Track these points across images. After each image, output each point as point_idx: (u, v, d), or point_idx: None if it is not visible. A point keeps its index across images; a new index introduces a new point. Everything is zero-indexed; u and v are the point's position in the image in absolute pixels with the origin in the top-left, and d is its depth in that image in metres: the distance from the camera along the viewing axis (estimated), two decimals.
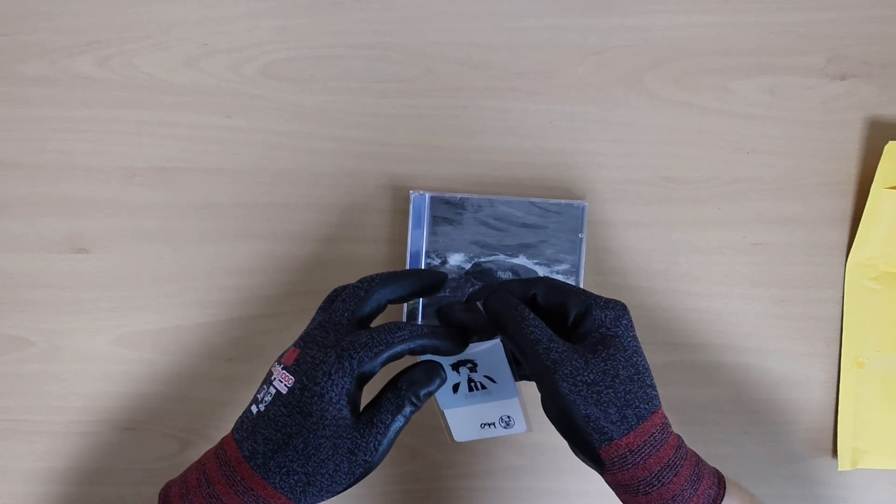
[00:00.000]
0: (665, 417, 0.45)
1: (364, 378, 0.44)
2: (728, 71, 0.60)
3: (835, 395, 0.60)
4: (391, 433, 0.44)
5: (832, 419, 0.61)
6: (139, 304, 0.60)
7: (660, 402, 0.45)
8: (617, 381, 0.43)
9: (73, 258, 0.60)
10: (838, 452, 0.60)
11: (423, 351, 0.45)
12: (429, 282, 0.49)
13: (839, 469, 0.60)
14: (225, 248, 0.60)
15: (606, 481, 0.46)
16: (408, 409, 0.44)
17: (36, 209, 0.60)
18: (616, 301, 0.47)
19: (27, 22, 0.60)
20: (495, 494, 0.61)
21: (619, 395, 0.43)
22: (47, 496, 0.60)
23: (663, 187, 0.60)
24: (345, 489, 0.44)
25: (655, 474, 0.43)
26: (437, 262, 0.58)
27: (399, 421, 0.44)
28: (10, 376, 0.60)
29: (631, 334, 0.46)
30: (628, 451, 0.43)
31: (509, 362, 0.49)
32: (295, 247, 0.60)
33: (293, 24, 0.60)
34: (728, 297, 0.60)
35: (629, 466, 0.43)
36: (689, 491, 0.43)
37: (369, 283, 0.47)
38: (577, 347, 0.44)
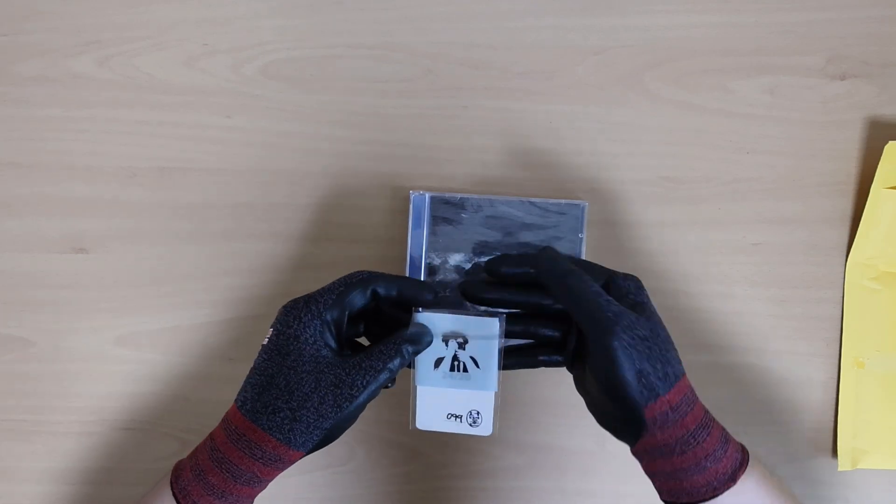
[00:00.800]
0: (690, 383, 0.47)
1: (336, 324, 0.47)
2: (728, 71, 0.60)
3: (835, 395, 0.60)
4: (380, 379, 0.46)
5: (832, 419, 0.61)
6: (139, 304, 0.60)
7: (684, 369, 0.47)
8: (659, 339, 0.45)
9: (73, 258, 0.60)
10: (838, 452, 0.60)
11: (386, 289, 0.48)
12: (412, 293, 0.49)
13: (839, 469, 0.60)
14: (225, 248, 0.60)
15: (638, 451, 0.46)
16: (396, 361, 0.46)
17: (36, 209, 0.60)
18: (631, 274, 0.49)
19: (27, 22, 0.60)
20: (495, 494, 0.61)
21: (662, 352, 0.45)
22: (47, 496, 0.60)
23: (663, 187, 0.60)
24: (333, 426, 0.46)
25: (692, 432, 0.44)
26: (437, 262, 0.58)
27: (386, 372, 0.46)
28: (10, 376, 0.60)
29: (653, 304, 0.48)
30: (669, 408, 0.44)
31: (499, 350, 0.49)
32: (295, 247, 0.60)
33: (293, 24, 0.60)
34: (728, 297, 0.60)
35: (669, 425, 0.44)
36: (719, 451, 0.45)
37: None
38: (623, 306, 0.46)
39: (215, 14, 0.60)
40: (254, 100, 0.60)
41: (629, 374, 0.43)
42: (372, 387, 0.46)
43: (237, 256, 0.60)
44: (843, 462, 0.60)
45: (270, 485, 0.52)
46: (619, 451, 0.60)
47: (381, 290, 0.48)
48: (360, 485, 0.61)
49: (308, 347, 0.46)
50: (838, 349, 0.60)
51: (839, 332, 0.60)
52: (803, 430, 0.61)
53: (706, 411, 0.46)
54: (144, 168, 0.60)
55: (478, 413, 0.50)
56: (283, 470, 0.47)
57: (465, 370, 0.49)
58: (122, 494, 0.60)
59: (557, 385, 0.60)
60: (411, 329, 0.48)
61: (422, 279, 0.58)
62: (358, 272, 0.49)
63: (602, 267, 0.49)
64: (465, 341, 0.49)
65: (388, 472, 0.61)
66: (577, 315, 0.45)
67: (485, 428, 0.50)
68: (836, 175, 0.60)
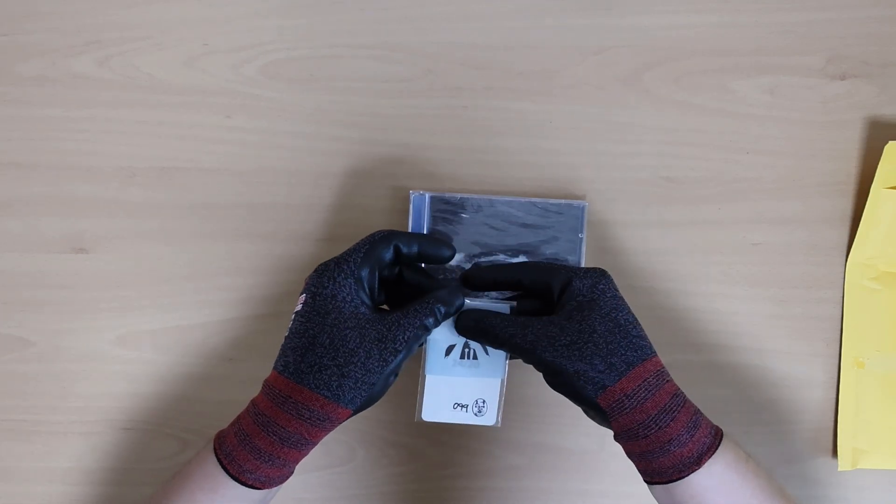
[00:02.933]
0: (661, 366, 0.48)
1: (368, 282, 0.48)
2: (728, 71, 0.60)
3: (835, 395, 0.60)
4: (420, 336, 0.47)
5: (832, 419, 0.61)
6: (139, 304, 0.60)
7: (653, 352, 0.48)
8: (595, 335, 0.46)
9: (73, 258, 0.60)
10: (838, 452, 0.60)
11: (407, 245, 0.50)
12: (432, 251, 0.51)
13: (839, 469, 0.60)
14: (225, 248, 0.60)
15: (616, 436, 0.48)
16: (430, 321, 0.47)
17: (36, 209, 0.60)
18: (595, 269, 0.50)
19: (27, 22, 0.60)
20: (495, 494, 0.61)
21: (600, 346, 0.46)
22: (47, 496, 0.60)
23: (663, 187, 0.60)
24: (380, 381, 0.46)
25: (653, 417, 0.45)
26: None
27: (423, 329, 0.47)
28: (10, 376, 0.60)
29: (609, 295, 0.48)
30: (623, 395, 0.45)
31: None
32: (295, 247, 0.60)
33: (293, 24, 0.60)
34: (728, 297, 0.60)
35: (627, 410, 0.45)
36: (685, 436, 0.46)
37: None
38: (552, 319, 0.48)
39: (215, 14, 0.60)
40: (254, 100, 0.60)
41: (569, 379, 0.46)
42: (413, 343, 0.47)
43: (237, 256, 0.60)
44: (843, 462, 0.60)
45: None
46: (620, 451, 0.60)
47: (403, 247, 0.50)
48: (360, 485, 0.61)
49: (347, 305, 0.47)
50: (838, 349, 0.60)
51: (839, 332, 0.60)
52: (803, 430, 0.61)
53: (674, 395, 0.47)
54: (144, 168, 0.60)
55: (483, 402, 0.52)
56: (328, 431, 0.47)
57: (475, 357, 0.51)
58: (122, 494, 0.60)
59: None
60: (442, 291, 0.49)
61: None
62: (378, 231, 0.50)
63: (566, 269, 0.50)
64: None
65: (388, 472, 0.61)
66: (517, 356, 0.49)
67: (489, 417, 0.52)
68: (836, 175, 0.60)
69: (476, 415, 0.51)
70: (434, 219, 0.58)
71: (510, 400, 0.60)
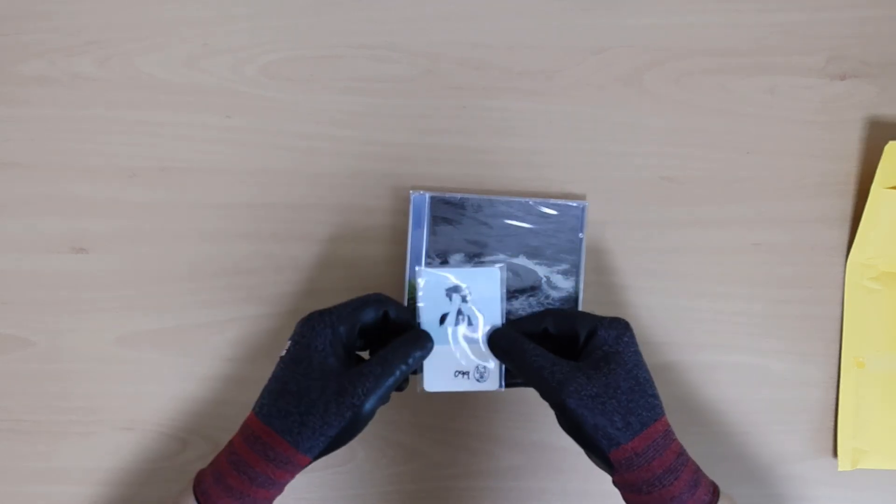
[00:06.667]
0: (668, 425, 0.48)
1: (346, 335, 0.49)
2: (728, 71, 0.60)
3: (835, 395, 0.60)
4: (381, 385, 0.47)
5: (832, 419, 0.61)
6: (139, 304, 0.60)
7: (663, 411, 0.48)
8: (619, 392, 0.47)
9: (73, 258, 0.60)
10: (838, 452, 0.60)
11: (396, 315, 0.51)
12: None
13: (839, 469, 0.60)
14: (225, 248, 0.60)
15: (614, 482, 0.49)
16: (401, 367, 0.48)
17: (36, 209, 0.60)
18: (619, 320, 0.50)
19: (27, 22, 0.60)
20: (495, 494, 0.61)
21: (622, 404, 0.47)
22: (47, 496, 0.60)
23: (663, 187, 0.60)
24: (338, 434, 0.47)
25: (658, 476, 0.46)
26: (437, 261, 0.58)
27: (388, 377, 0.48)
28: (10, 376, 0.60)
29: (632, 350, 0.49)
30: (634, 454, 0.46)
31: (502, 296, 0.52)
32: (295, 247, 0.60)
33: (293, 24, 0.60)
34: (728, 297, 0.60)
35: (635, 468, 0.46)
36: (686, 495, 0.47)
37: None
38: (580, 365, 0.48)
39: (215, 14, 0.60)
40: (254, 100, 0.60)
41: (587, 428, 0.47)
42: (377, 393, 0.47)
43: (237, 256, 0.60)
44: (843, 462, 0.60)
45: None
46: None
47: (391, 313, 0.51)
48: (359, 484, 0.61)
49: (317, 356, 0.48)
50: (838, 349, 0.60)
51: (839, 332, 0.60)
52: (803, 430, 0.61)
53: (679, 455, 0.48)
54: (144, 168, 0.60)
55: (484, 367, 0.52)
56: (294, 474, 0.48)
57: (470, 323, 0.52)
58: (121, 494, 0.60)
59: None
60: (408, 335, 0.50)
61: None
62: (376, 294, 0.51)
63: (591, 317, 0.50)
64: (469, 294, 0.51)
65: (387, 472, 0.61)
66: (534, 387, 0.49)
67: (492, 382, 0.52)
68: (836, 175, 0.60)
69: (478, 380, 0.52)
70: (434, 219, 0.58)
71: (510, 400, 0.60)
